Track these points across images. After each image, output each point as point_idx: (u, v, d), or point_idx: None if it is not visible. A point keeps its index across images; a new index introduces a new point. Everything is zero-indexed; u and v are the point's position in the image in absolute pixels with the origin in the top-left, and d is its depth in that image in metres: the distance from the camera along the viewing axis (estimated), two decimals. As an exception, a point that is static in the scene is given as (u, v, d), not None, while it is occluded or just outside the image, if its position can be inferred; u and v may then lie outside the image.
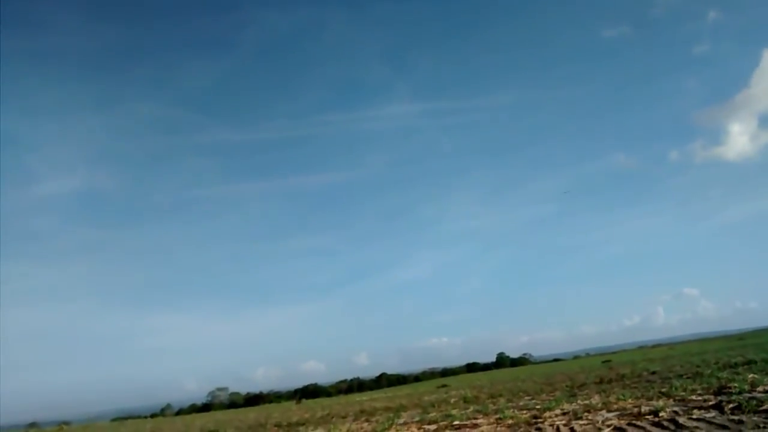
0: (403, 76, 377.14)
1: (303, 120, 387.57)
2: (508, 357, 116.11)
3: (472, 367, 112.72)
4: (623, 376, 17.35)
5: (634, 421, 7.24)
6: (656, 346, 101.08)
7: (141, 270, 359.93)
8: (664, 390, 10.27)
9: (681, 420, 6.79)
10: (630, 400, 9.24)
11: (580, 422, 7.77)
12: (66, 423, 79.18)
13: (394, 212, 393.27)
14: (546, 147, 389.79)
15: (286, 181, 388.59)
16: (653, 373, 16.84)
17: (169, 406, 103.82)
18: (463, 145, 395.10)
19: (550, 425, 7.90)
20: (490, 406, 12.33)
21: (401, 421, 12.25)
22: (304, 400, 66.05)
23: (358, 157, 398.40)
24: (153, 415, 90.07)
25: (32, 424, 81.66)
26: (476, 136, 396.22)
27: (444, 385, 40.85)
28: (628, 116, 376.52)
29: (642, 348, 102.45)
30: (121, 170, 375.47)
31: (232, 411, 65.00)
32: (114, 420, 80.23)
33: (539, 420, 8.50)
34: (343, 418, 16.83)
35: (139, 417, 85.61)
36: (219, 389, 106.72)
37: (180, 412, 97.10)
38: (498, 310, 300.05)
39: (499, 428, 8.51)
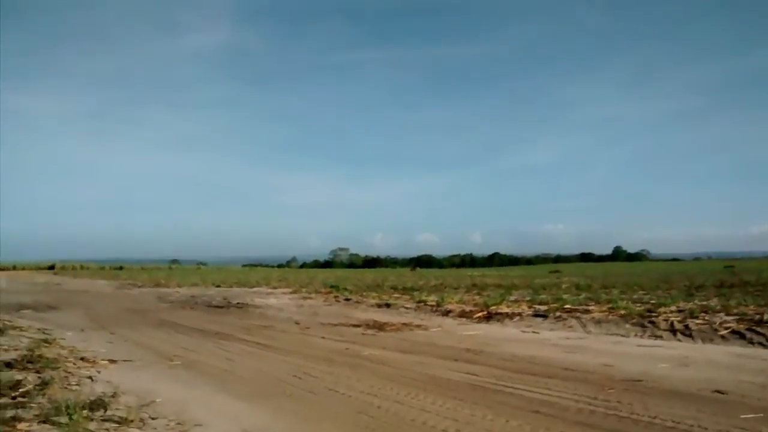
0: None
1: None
2: (624, 251, 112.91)
3: (586, 257, 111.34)
4: (746, 283, 16.69)
5: (754, 327, 7.23)
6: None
7: (275, 129, 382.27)
8: (793, 301, 9.92)
9: (806, 332, 6.69)
10: (752, 307, 9.08)
11: (696, 321, 7.88)
12: (203, 263, 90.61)
13: (528, 92, 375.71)
14: (707, 31, 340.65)
15: (422, 51, 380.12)
16: (784, 283, 16.02)
17: (294, 259, 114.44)
18: (611, 23, 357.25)
19: (664, 320, 8.09)
20: (603, 295, 12.60)
21: (512, 298, 12.95)
22: (418, 269, 69.75)
23: (500, 31, 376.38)
24: (279, 266, 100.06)
25: (174, 261, 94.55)
26: (626, 14, 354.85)
27: (556, 271, 41.23)
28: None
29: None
30: (264, 28, 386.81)
31: (350, 270, 70.58)
32: (244, 266, 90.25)
33: (653, 314, 8.68)
34: (455, 288, 17.95)
35: (267, 266, 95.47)
36: (340, 249, 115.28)
37: (304, 265, 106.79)
38: (620, 204, 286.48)
39: (610, 317, 8.84)
